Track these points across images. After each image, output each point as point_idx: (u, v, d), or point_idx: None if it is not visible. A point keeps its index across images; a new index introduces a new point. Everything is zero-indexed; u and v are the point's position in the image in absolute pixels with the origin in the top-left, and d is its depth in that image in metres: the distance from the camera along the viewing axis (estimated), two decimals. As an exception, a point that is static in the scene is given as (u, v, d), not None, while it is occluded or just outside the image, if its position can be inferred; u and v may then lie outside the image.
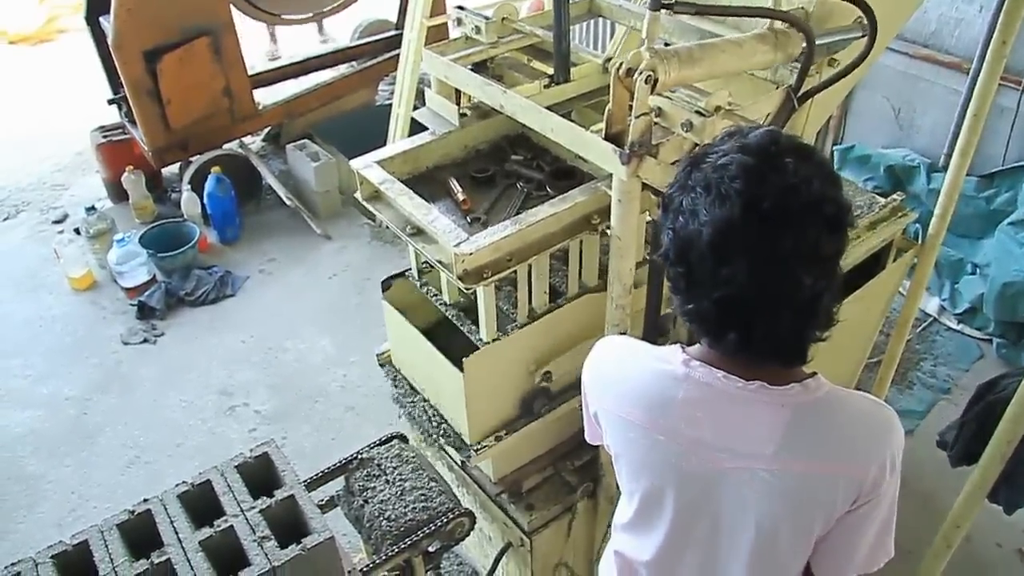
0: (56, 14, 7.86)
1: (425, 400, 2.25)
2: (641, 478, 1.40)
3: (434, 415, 2.20)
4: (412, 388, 2.30)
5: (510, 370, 2.02)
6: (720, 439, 1.28)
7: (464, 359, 1.90)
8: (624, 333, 1.89)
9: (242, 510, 1.83)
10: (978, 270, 3.93)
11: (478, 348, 1.92)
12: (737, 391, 1.26)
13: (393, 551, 2.07)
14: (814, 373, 1.29)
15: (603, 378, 1.45)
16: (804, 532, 1.30)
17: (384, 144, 2.59)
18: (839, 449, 1.26)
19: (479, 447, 2.05)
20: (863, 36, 1.75)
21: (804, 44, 1.71)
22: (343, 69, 5.38)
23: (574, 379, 2.07)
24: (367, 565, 2.07)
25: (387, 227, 1.92)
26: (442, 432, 2.15)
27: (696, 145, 1.63)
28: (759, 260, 1.15)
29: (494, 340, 1.93)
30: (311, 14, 5.25)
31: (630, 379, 1.37)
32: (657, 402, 1.32)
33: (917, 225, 3.11)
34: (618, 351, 1.47)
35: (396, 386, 2.33)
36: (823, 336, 1.25)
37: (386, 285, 2.19)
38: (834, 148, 4.83)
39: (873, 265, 2.63)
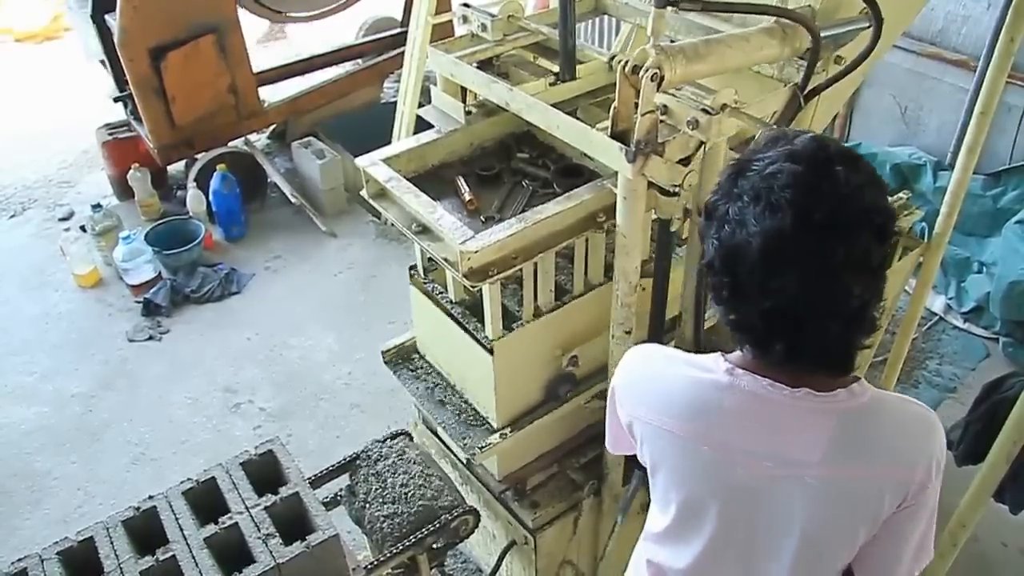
0: (62, 12, 7.87)
1: (451, 386, 2.25)
2: (681, 488, 1.37)
3: (460, 401, 2.21)
4: (438, 373, 2.30)
5: (538, 354, 2.01)
6: (767, 447, 1.27)
7: (495, 342, 1.90)
8: (629, 332, 1.88)
9: (247, 507, 1.84)
10: (984, 269, 3.92)
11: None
12: (784, 399, 1.25)
13: (397, 549, 2.07)
14: (857, 378, 1.27)
15: (640, 388, 1.42)
16: (849, 537, 1.30)
17: (389, 142, 2.59)
18: (886, 453, 1.25)
19: (506, 429, 2.06)
20: (869, 27, 1.74)
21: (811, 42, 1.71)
22: (348, 66, 5.38)
23: (599, 365, 2.07)
24: (371, 563, 2.07)
25: (393, 225, 1.92)
26: (467, 419, 2.15)
27: (702, 143, 1.63)
28: (810, 271, 1.13)
29: (524, 324, 1.93)
30: (317, 12, 5.25)
31: (670, 389, 1.35)
32: (700, 412, 1.30)
33: (923, 223, 3.10)
34: (654, 360, 1.44)
35: (416, 375, 2.32)
36: (868, 344, 1.24)
37: (413, 270, 2.18)
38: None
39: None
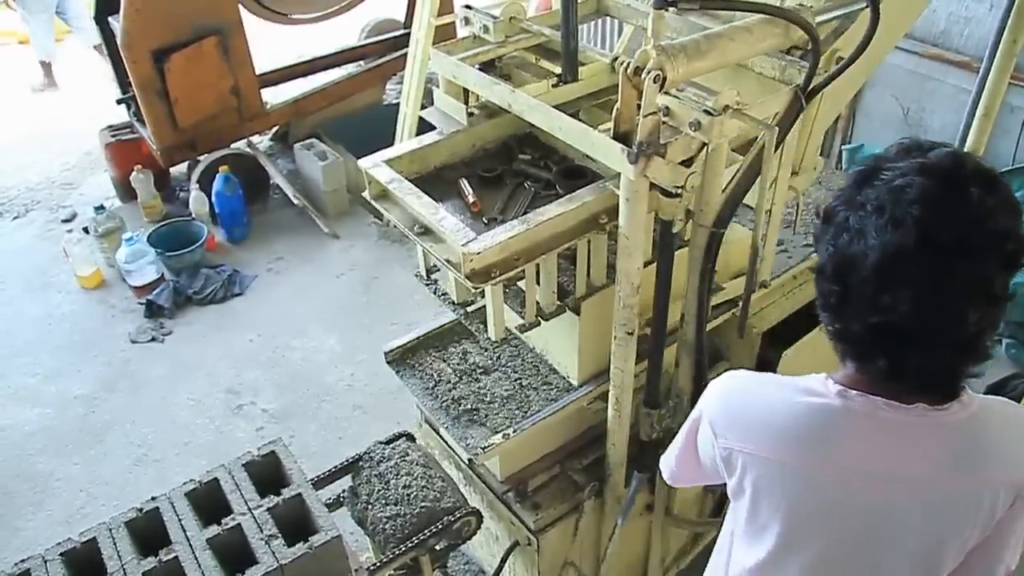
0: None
1: (531, 349, 2.29)
2: (788, 516, 1.32)
3: (536, 361, 2.27)
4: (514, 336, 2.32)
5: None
6: (884, 467, 1.23)
7: (582, 301, 1.94)
8: (631, 333, 1.88)
9: (249, 508, 1.84)
10: (987, 270, 3.91)
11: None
12: (900, 417, 1.21)
13: (400, 550, 2.07)
14: (964, 387, 1.24)
15: (743, 418, 1.34)
16: (962, 546, 1.28)
17: (392, 143, 2.59)
18: (1000, 459, 1.23)
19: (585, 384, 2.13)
20: (866, 7, 1.73)
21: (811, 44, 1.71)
22: (351, 68, 5.39)
23: (671, 327, 2.05)
24: (374, 564, 2.07)
25: (395, 226, 1.92)
26: (543, 380, 2.20)
27: (704, 145, 1.63)
28: (926, 292, 1.09)
29: (605, 286, 1.96)
30: (320, 13, 5.25)
31: (779, 418, 1.28)
32: (814, 440, 1.26)
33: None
34: (754, 387, 1.37)
35: (419, 376, 2.33)
36: (977, 372, 1.21)
37: None
38: (843, 147, 4.83)
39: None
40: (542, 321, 1.95)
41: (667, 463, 1.63)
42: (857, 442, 1.24)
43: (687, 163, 1.65)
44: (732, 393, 1.39)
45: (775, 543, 1.34)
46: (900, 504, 1.24)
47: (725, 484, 1.41)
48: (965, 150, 2.54)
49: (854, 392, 1.23)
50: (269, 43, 5.18)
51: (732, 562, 1.49)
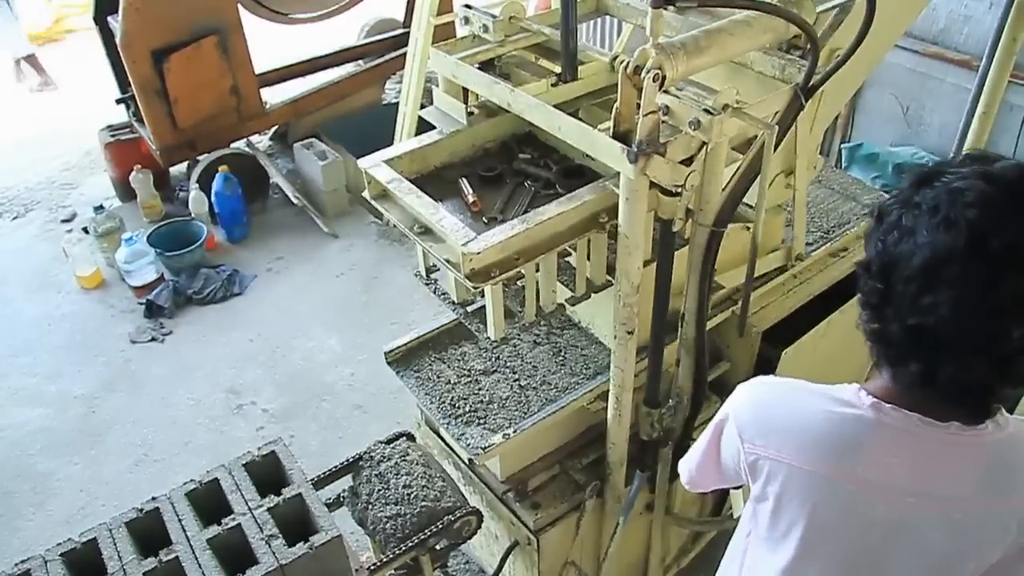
0: (64, 14, 7.90)
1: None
2: (810, 526, 1.31)
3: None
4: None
5: (678, 280, 1.97)
6: (914, 484, 1.22)
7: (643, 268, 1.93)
8: (631, 332, 1.88)
9: (250, 508, 1.84)
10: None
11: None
12: (934, 434, 1.20)
13: (400, 549, 2.07)
14: (999, 408, 1.22)
15: (772, 425, 1.32)
16: (983, 565, 1.27)
17: (391, 143, 2.58)
18: None
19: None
20: None
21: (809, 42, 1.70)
22: (350, 68, 5.38)
23: (734, 287, 2.04)
24: (375, 563, 2.07)
25: (395, 226, 1.92)
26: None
27: (704, 144, 1.63)
28: (968, 299, 1.07)
29: (651, 261, 1.92)
30: (319, 13, 5.25)
31: (809, 426, 1.27)
32: (844, 451, 1.24)
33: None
34: (784, 394, 1.36)
35: (419, 376, 2.33)
36: (1013, 393, 1.19)
37: None
38: (842, 146, 4.82)
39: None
40: (592, 294, 1.96)
41: (686, 467, 1.61)
42: (888, 455, 1.22)
43: (687, 162, 1.65)
44: (762, 398, 1.38)
45: (795, 551, 1.33)
46: (925, 521, 1.23)
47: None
48: (965, 148, 2.54)
49: (888, 406, 1.22)
50: (268, 43, 5.17)
51: (746, 565, 1.48)
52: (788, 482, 1.30)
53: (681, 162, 1.64)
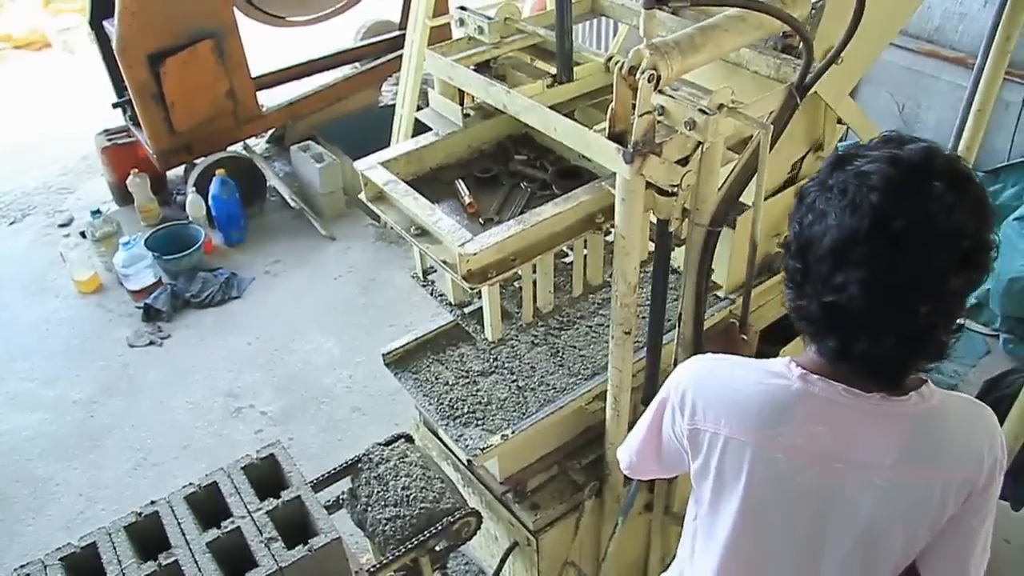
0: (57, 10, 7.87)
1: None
2: (745, 497, 1.34)
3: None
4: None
5: (763, 232, 1.98)
6: (838, 451, 1.26)
7: (738, 217, 1.99)
8: (628, 332, 1.88)
9: (249, 511, 1.84)
10: (984, 265, 3.92)
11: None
12: (858, 404, 1.24)
13: (400, 551, 2.07)
14: (925, 380, 1.27)
15: (710, 398, 1.36)
16: (909, 537, 1.30)
17: (388, 145, 2.59)
18: (956, 455, 1.25)
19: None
20: None
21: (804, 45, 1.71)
22: (346, 70, 5.39)
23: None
24: (374, 565, 2.08)
25: (391, 228, 1.92)
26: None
27: (699, 144, 1.63)
28: (874, 278, 1.12)
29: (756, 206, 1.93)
30: (315, 16, 5.25)
31: (742, 398, 1.32)
32: (774, 419, 1.28)
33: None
34: (721, 368, 1.40)
35: (417, 377, 2.32)
36: (929, 367, 1.23)
37: None
38: (838, 144, 4.82)
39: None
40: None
41: (626, 452, 1.63)
42: (814, 424, 1.26)
43: (683, 162, 1.65)
44: (701, 373, 1.42)
45: (735, 524, 1.37)
46: (850, 488, 1.27)
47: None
48: (961, 145, 2.54)
49: (815, 376, 1.27)
50: (264, 46, 5.17)
51: (696, 549, 1.51)
52: (724, 454, 1.34)
53: (677, 162, 1.64)
